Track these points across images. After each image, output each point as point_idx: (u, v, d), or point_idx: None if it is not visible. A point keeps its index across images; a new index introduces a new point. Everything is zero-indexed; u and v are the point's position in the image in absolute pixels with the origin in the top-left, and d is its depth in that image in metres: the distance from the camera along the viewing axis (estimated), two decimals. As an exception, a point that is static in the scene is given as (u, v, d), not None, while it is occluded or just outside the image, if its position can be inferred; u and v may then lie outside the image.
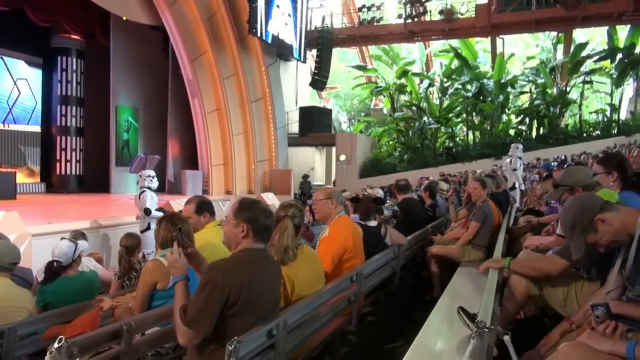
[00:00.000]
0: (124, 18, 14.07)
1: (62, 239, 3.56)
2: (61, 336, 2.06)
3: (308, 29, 19.95)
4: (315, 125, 20.42)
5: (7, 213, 5.88)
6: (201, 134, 15.90)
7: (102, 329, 2.42)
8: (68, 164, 15.70)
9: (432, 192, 6.66)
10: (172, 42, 15.03)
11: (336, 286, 2.94)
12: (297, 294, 2.51)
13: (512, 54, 22.26)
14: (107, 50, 14.88)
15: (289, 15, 18.03)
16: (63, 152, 15.65)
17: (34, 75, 15.71)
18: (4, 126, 14.81)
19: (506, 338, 1.63)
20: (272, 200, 11.04)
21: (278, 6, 17.01)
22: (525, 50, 25.38)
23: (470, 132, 21.61)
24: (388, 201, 6.57)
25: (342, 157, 19.71)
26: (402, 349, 2.39)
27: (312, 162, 23.65)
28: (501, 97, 20.03)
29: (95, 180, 15.87)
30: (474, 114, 21.12)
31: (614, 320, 1.71)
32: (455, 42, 21.19)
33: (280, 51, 18.44)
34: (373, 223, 4.24)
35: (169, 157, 16.20)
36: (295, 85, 21.19)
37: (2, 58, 14.72)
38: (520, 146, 10.21)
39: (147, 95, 16.44)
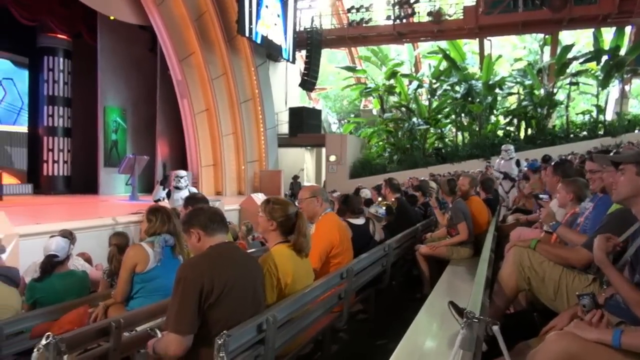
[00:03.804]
0: (111, 17, 13.96)
1: (51, 237, 3.53)
2: (49, 333, 2.03)
3: (297, 30, 19.96)
4: (305, 126, 20.42)
5: (-6, 213, 5.81)
6: (190, 134, 15.82)
7: (90, 326, 2.40)
8: (55, 165, 15.53)
9: (424, 191, 6.72)
10: (160, 42, 14.94)
11: (326, 282, 2.94)
12: (290, 288, 2.52)
13: (500, 56, 22.47)
14: (94, 50, 14.75)
15: (278, 15, 18.02)
16: (50, 153, 15.49)
17: (20, 75, 15.53)
18: (-10, 126, 14.63)
19: (495, 328, 1.63)
20: (262, 200, 11.00)
21: (267, 6, 16.99)
22: (513, 52, 25.64)
23: (459, 133, 21.74)
24: (380, 199, 6.60)
25: (332, 158, 19.73)
26: (393, 345, 2.40)
27: (302, 162, 23.64)
28: (489, 98, 20.19)
29: (83, 181, 15.71)
30: (462, 115, 21.26)
31: (600, 310, 1.73)
32: (443, 44, 21.32)
33: (269, 52, 18.41)
34: (360, 221, 4.24)
35: (158, 158, 16.09)
36: (284, 86, 21.18)
37: (-13, 58, 14.55)
38: (510, 147, 10.30)
39: (135, 96, 16.32)
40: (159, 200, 7.85)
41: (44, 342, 1.97)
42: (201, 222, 2.22)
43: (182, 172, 8.06)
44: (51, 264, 3.33)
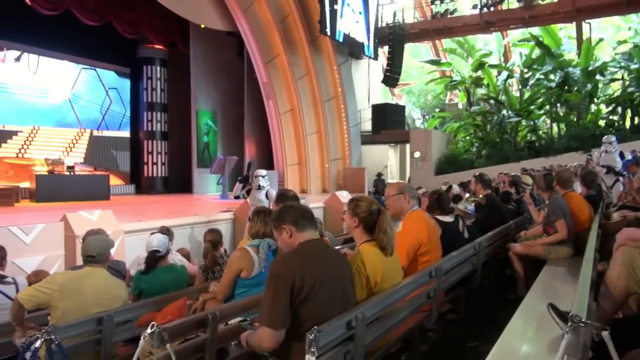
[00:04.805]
0: (202, 26, 14.75)
1: (152, 234, 3.79)
2: (153, 322, 2.19)
3: (379, 26, 19.78)
4: (388, 123, 20.22)
5: (103, 212, 6.35)
6: (276, 134, 16.28)
7: (189, 317, 2.55)
8: (154, 167, 16.73)
9: (517, 187, 6.39)
10: (246, 46, 15.53)
11: (415, 281, 2.89)
12: (379, 287, 2.51)
13: (601, 39, 20.67)
14: (187, 57, 15.68)
15: (360, 13, 17.96)
16: (150, 156, 16.70)
17: (123, 84, 16.91)
18: (98, 132, 16.07)
19: (605, 334, 1.50)
20: (346, 198, 11.05)
21: (349, 4, 17.00)
22: (616, 34, 23.48)
23: (554, 125, 20.37)
24: (467, 195, 6.37)
25: (417, 154, 19.35)
26: (484, 348, 2.30)
27: (385, 159, 23.44)
28: (589, 85, 18.67)
29: (178, 182, 16.75)
30: (558, 105, 19.88)
31: None
32: (536, 30, 20.06)
33: (351, 49, 18.42)
34: (449, 218, 4.11)
35: (246, 158, 16.74)
36: (367, 83, 21.10)
37: (95, 70, 15.98)
38: (613, 138, 9.45)
39: (224, 99, 17.11)
40: (238, 197, 7.99)
41: (149, 330, 2.13)
42: (292, 218, 2.27)
43: (262, 172, 7.96)
44: (155, 259, 3.58)
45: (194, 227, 7.95)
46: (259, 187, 7.66)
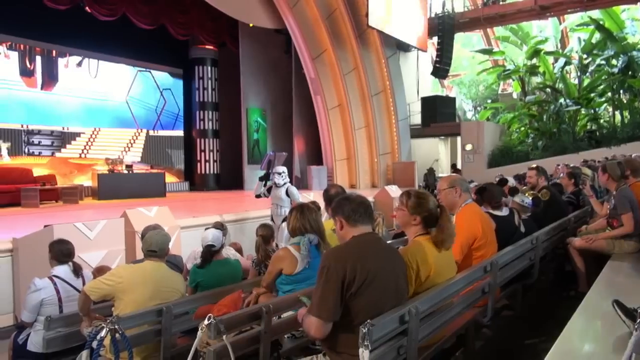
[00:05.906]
0: (251, 25, 14.99)
1: (206, 229, 3.90)
2: (210, 314, 2.26)
3: (428, 17, 19.40)
4: (438, 115, 19.84)
5: (160, 208, 6.58)
6: (324, 130, 16.32)
7: (244, 310, 2.61)
8: (207, 164, 17.20)
9: (576, 179, 6.11)
10: (294, 43, 15.64)
11: (469, 275, 2.82)
12: (431, 281, 2.47)
13: (669, 19, 19.41)
14: (236, 57, 15.98)
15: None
16: (202, 154, 17.18)
17: (176, 85, 17.47)
18: (154, 132, 16.69)
19: (678, 332, 1.41)
20: (396, 192, 10.96)
21: (396, -4, 16.77)
22: (686, 14, 21.92)
23: (617, 113, 19.28)
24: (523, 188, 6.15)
25: (468, 147, 18.88)
26: (543, 346, 2.23)
27: (436, 153, 23.02)
28: (656, 70, 17.57)
29: (230, 178, 17.13)
30: (621, 91, 18.80)
31: None
32: (595, 13, 19.03)
33: (399, 42, 18.17)
34: (504, 212, 3.98)
35: (295, 154, 16.89)
36: (416, 75, 20.76)
37: (150, 72, 16.60)
38: None
39: (273, 96, 17.32)
40: (259, 196, 7.72)
41: (206, 322, 2.20)
42: (345, 212, 2.27)
43: (280, 168, 7.54)
44: (210, 253, 3.69)
45: (246, 222, 8.12)
46: (276, 185, 7.32)
